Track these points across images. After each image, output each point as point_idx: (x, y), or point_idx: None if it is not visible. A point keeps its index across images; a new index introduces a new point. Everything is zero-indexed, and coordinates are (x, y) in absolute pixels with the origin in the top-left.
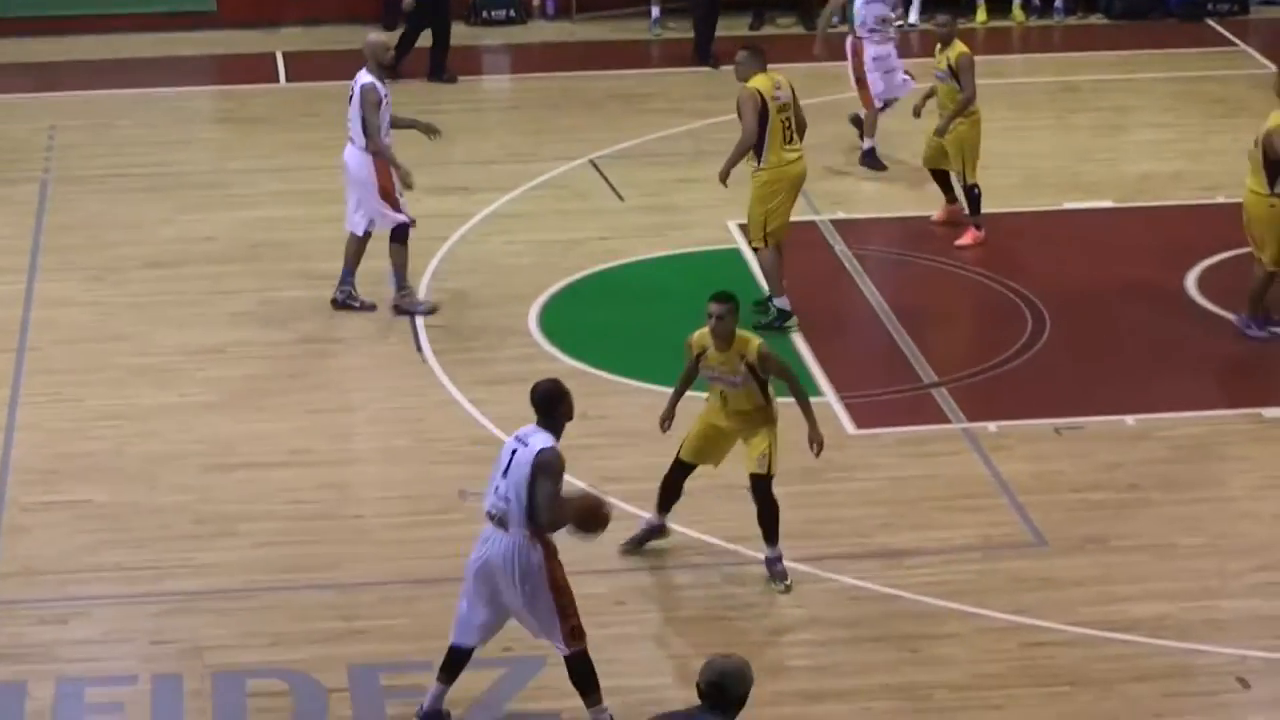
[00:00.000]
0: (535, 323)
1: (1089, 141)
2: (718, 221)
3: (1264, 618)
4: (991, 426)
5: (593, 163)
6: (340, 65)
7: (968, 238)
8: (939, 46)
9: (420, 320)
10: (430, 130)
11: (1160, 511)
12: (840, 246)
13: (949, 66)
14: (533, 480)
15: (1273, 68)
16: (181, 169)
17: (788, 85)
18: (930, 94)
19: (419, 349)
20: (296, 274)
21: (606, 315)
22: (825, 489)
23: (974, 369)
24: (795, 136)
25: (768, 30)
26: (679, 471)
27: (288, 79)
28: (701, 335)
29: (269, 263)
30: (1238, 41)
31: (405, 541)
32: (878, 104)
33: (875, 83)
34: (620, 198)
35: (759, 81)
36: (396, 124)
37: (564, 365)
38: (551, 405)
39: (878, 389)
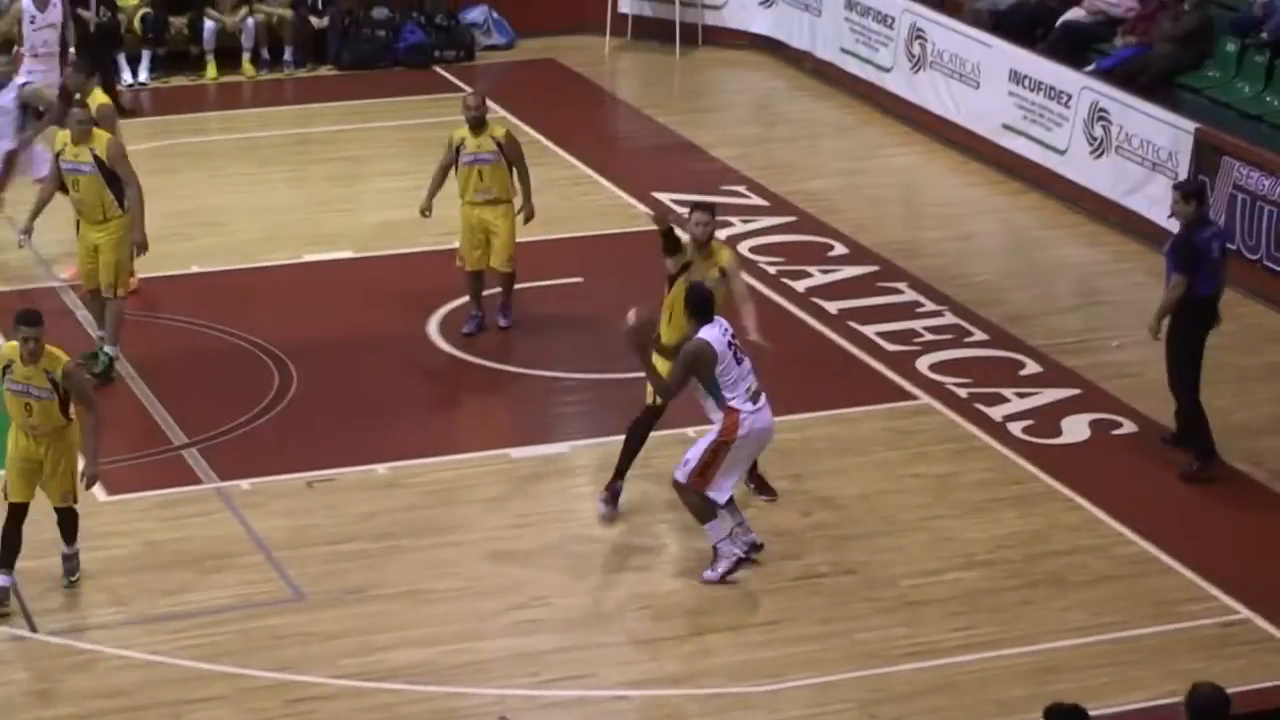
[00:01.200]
0: None
1: (326, 192)
2: None
3: (522, 655)
4: (245, 484)
5: None
6: None
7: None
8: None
9: None
10: None
11: (415, 558)
12: (81, 311)
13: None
14: None
15: (501, 111)
16: None
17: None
18: None
19: None
20: None
21: None
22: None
23: (224, 427)
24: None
25: None
26: (15, 519)
27: None
28: (10, 349)
29: None
30: (465, 86)
31: None
32: None
33: None
34: None
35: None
36: None
37: None
38: None
39: (127, 453)
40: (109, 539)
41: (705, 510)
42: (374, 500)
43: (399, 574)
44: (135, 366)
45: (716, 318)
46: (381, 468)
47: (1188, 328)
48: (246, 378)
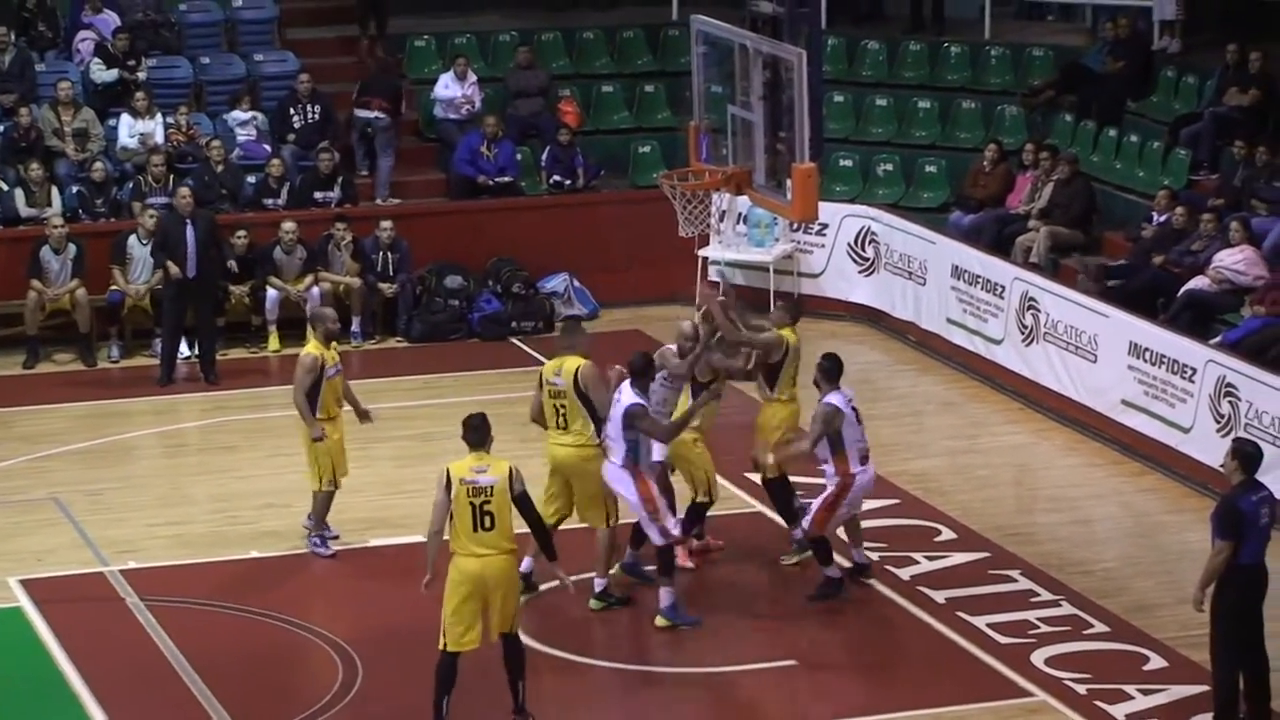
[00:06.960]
0: None
1: (394, 473)
2: None
3: None
4: None
5: None
6: None
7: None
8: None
9: None
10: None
11: None
12: (132, 599)
13: None
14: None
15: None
16: None
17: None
18: None
19: None
20: None
21: None
22: None
23: None
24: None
25: (44, 368)
26: None
27: None
28: None
29: None
30: (543, 359)
31: None
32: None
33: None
34: None
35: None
36: None
37: None
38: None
39: None
40: None
41: None
42: None
43: None
44: (188, 659)
45: None
46: None
47: (1231, 600)
48: (307, 672)
